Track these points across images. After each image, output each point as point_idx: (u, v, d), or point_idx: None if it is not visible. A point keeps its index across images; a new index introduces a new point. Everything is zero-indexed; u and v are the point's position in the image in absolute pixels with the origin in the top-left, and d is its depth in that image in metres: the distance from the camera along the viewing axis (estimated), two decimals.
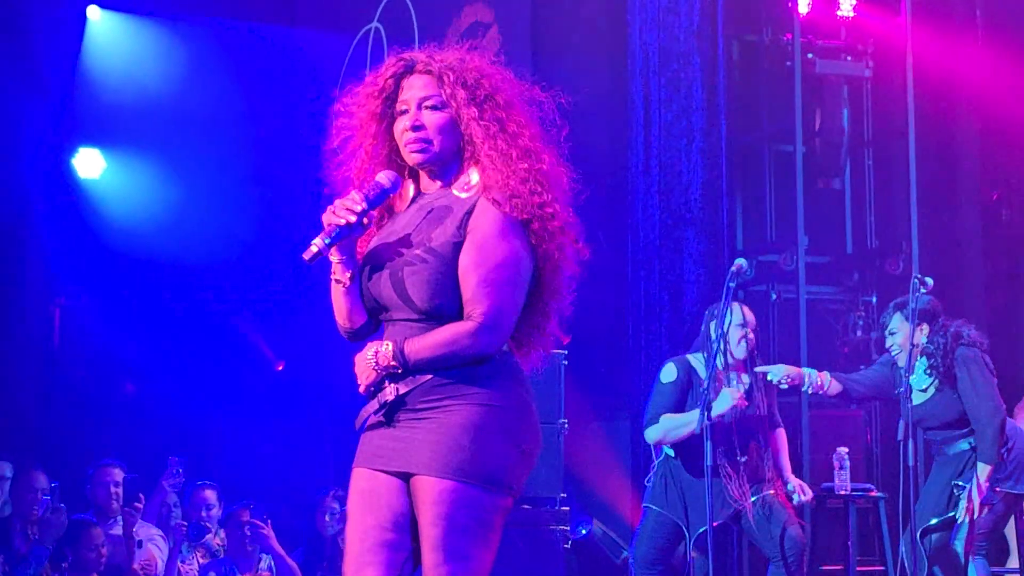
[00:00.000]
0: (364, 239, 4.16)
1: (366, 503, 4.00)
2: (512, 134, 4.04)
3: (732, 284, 7.92)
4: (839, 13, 10.97)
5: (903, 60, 10.78)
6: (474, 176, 4.06)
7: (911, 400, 7.86)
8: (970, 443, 7.94)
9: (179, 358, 13.13)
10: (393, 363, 3.90)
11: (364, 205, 4.01)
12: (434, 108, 4.07)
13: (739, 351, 8.08)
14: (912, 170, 10.74)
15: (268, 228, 12.83)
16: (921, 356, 8.00)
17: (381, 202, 4.10)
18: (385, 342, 3.94)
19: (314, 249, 3.99)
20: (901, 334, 8.05)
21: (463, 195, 4.05)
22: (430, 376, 3.93)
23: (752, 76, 11.14)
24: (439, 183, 4.13)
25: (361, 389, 3.97)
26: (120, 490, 9.86)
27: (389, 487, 3.98)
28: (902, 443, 7.85)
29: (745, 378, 8.06)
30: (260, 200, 13.18)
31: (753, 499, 7.93)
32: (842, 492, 9.02)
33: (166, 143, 13.50)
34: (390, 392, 3.96)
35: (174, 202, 13.33)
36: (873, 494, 9.18)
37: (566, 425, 9.32)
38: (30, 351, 12.98)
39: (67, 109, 13.37)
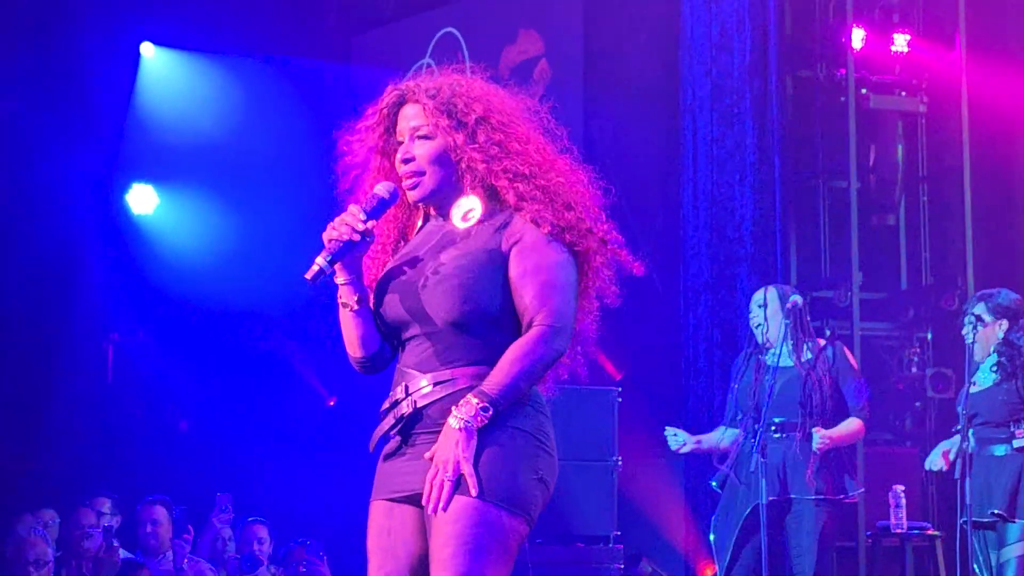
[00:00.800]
0: (376, 263, 4.08)
1: (385, 546, 3.89)
2: (517, 152, 3.93)
3: (787, 321, 7.86)
4: (893, 48, 10.94)
5: (958, 95, 10.74)
6: (476, 204, 3.95)
7: (969, 390, 7.81)
8: (1009, 447, 7.82)
9: (232, 394, 13.14)
10: (482, 405, 3.72)
11: (363, 218, 3.92)
12: (424, 138, 3.98)
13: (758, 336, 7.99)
14: (967, 205, 10.69)
15: (314, 254, 12.83)
16: (992, 353, 7.89)
17: (381, 213, 3.99)
18: (459, 407, 3.75)
19: (315, 268, 3.91)
20: (978, 324, 7.92)
21: (463, 225, 3.95)
22: (449, 393, 3.80)
23: (806, 112, 11.09)
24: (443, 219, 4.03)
25: (449, 474, 3.72)
26: (168, 527, 9.86)
27: (404, 523, 3.87)
28: (960, 432, 7.79)
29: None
30: (311, 237, 13.18)
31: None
32: (898, 531, 8.95)
33: (219, 179, 13.55)
34: (407, 405, 3.85)
35: (226, 238, 13.36)
36: (929, 532, 9.10)
37: (619, 462, 9.28)
38: (83, 388, 13.01)
39: (121, 145, 13.44)
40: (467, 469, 3.69)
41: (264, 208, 13.45)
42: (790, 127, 10.86)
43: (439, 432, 3.77)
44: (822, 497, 7.73)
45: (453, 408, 3.74)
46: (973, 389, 7.88)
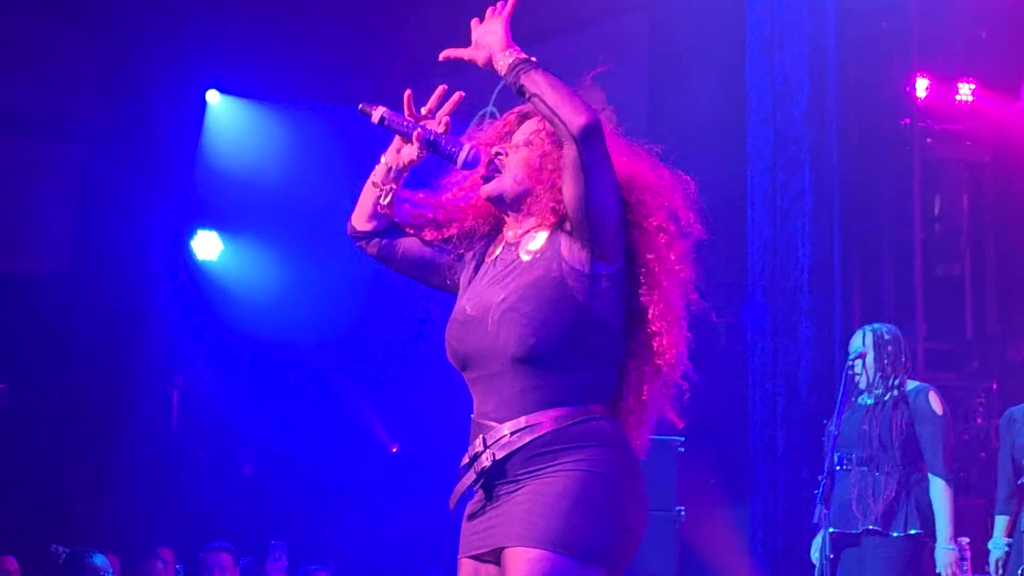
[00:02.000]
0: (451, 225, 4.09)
1: None
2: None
3: (851, 372, 7.83)
4: (958, 97, 10.90)
5: (1023, 144, 10.68)
6: (542, 238, 3.88)
7: None
8: None
9: (295, 439, 13.17)
10: (522, 57, 3.84)
11: (419, 132, 4.00)
12: (523, 144, 3.98)
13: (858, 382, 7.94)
14: None
15: (383, 311, 12.87)
16: None
17: (444, 154, 4.01)
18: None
19: (373, 111, 4.04)
20: None
21: (527, 258, 3.87)
22: (528, 441, 3.67)
23: (870, 161, 11.05)
24: (515, 230, 3.97)
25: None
26: (233, 572, 9.88)
27: None
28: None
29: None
30: (374, 283, 13.23)
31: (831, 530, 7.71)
32: None
33: (282, 226, 13.62)
34: (487, 458, 3.72)
35: (289, 284, 13.42)
36: None
37: (682, 513, 9.23)
38: (149, 433, 13.09)
39: (187, 192, 13.54)
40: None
41: (326, 255, 13.46)
42: (852, 175, 10.83)
43: (519, 483, 3.70)
44: (886, 532, 7.70)
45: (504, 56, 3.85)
46: None
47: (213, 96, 13.88)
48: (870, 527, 7.78)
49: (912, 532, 7.76)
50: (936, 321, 10.86)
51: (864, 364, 7.92)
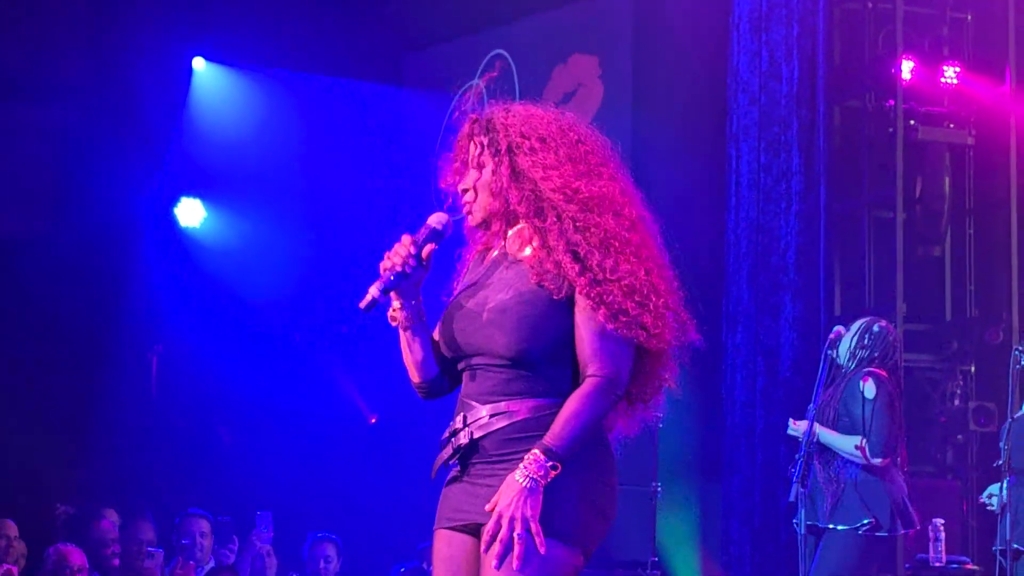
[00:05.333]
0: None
1: (443, 572, 3.97)
2: (539, 179, 3.92)
3: (830, 351, 7.87)
4: (942, 80, 10.94)
5: (1007, 128, 10.74)
6: (524, 235, 3.99)
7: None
8: None
9: (277, 407, 13.19)
10: (551, 464, 3.76)
11: (413, 249, 3.96)
12: (477, 167, 4.01)
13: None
14: (1014, 239, 10.69)
15: (368, 280, 12.89)
16: None
17: (432, 242, 4.01)
18: (526, 463, 3.78)
19: (368, 298, 3.96)
20: None
21: (520, 256, 3.99)
22: (504, 425, 3.86)
23: (853, 142, 11.10)
24: (512, 237, 4.05)
25: (519, 530, 3.76)
26: (208, 540, 9.92)
27: (465, 553, 3.93)
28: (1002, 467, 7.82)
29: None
30: (359, 253, 13.26)
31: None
32: (937, 564, 8.91)
33: (265, 195, 13.63)
34: (464, 436, 3.90)
35: (272, 253, 13.43)
36: (969, 567, 9.07)
37: (659, 489, 9.28)
38: (128, 399, 13.09)
39: (171, 159, 13.54)
40: (534, 527, 3.74)
41: (309, 225, 13.55)
42: (836, 157, 10.88)
43: (495, 463, 3.86)
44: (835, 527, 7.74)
45: (520, 464, 3.77)
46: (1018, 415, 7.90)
47: (199, 63, 13.87)
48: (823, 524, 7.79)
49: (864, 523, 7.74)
50: (915, 303, 10.91)
51: (838, 348, 7.95)
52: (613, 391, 3.83)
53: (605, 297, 3.82)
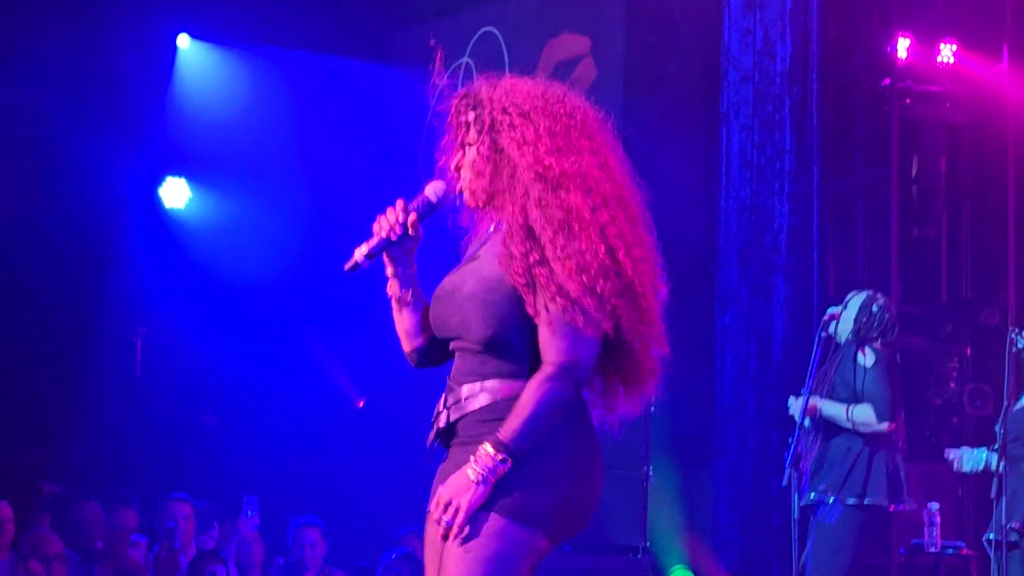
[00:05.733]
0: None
1: (430, 554, 3.96)
2: (516, 156, 3.85)
3: (824, 334, 7.83)
4: (939, 59, 10.87)
5: (1003, 107, 10.68)
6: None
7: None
8: None
9: (263, 390, 13.14)
10: (500, 457, 3.74)
11: (403, 216, 3.93)
12: (467, 145, 3.96)
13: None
14: (1010, 219, 10.62)
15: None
16: None
17: (428, 214, 3.97)
18: (477, 457, 3.76)
19: (353, 261, 3.93)
20: None
21: (494, 251, 3.93)
22: (479, 407, 3.85)
23: (849, 121, 11.04)
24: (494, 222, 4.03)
25: (447, 518, 3.78)
26: (191, 524, 9.87)
27: (439, 532, 3.90)
28: (999, 451, 7.74)
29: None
30: (348, 233, 13.17)
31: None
32: (932, 549, 8.88)
33: (252, 175, 13.55)
34: (443, 418, 3.91)
35: (259, 234, 13.35)
36: (964, 552, 9.02)
37: (650, 473, 9.24)
38: (112, 381, 13.03)
39: (155, 138, 13.45)
40: (461, 518, 3.74)
41: (296, 205, 13.45)
42: (830, 136, 10.82)
43: (469, 444, 3.83)
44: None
45: (472, 457, 3.76)
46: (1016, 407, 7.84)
47: (184, 41, 13.77)
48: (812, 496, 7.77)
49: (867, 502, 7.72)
50: (911, 284, 10.88)
51: (837, 326, 7.92)
52: (568, 378, 3.78)
53: (540, 280, 3.76)
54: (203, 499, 10.64)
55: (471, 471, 3.74)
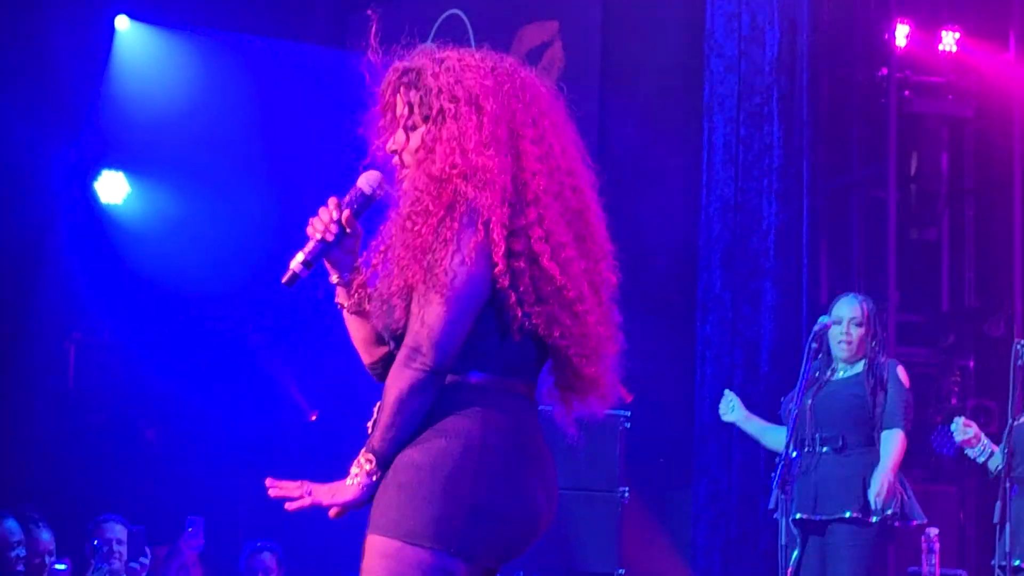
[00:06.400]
0: None
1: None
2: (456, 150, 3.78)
3: (814, 344, 7.80)
4: (941, 47, 10.91)
5: (1010, 100, 10.72)
6: None
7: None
8: None
9: (205, 401, 13.06)
10: (369, 467, 3.70)
11: (336, 214, 3.86)
12: (409, 128, 3.88)
13: (839, 351, 7.99)
14: (1017, 222, 10.63)
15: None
16: None
17: (365, 208, 3.88)
18: (356, 462, 3.74)
19: (290, 272, 3.83)
20: None
21: None
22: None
23: (843, 114, 11.04)
24: None
25: (310, 502, 3.79)
26: (123, 548, 9.78)
27: None
28: (1002, 472, 7.79)
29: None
30: (296, 230, 13.09)
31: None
32: None
33: (195, 168, 13.45)
34: (370, 429, 3.82)
35: (202, 231, 13.27)
36: None
37: (626, 494, 9.21)
38: (42, 390, 12.95)
39: (91, 129, 13.35)
40: (306, 502, 3.78)
41: (247, 203, 13.36)
42: (823, 130, 10.82)
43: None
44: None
45: (354, 467, 3.73)
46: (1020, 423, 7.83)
47: (122, 22, 13.68)
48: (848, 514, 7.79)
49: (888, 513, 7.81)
50: (909, 291, 10.89)
51: (850, 334, 7.94)
52: (414, 361, 3.67)
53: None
54: (143, 520, 10.55)
55: (350, 480, 3.73)
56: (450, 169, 3.73)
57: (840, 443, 7.89)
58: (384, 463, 3.68)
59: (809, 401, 7.87)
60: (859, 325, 7.97)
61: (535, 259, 3.73)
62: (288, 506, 3.82)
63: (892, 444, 7.83)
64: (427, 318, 3.67)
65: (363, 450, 3.70)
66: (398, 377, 3.67)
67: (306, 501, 3.77)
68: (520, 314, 3.74)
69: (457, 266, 3.65)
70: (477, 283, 3.69)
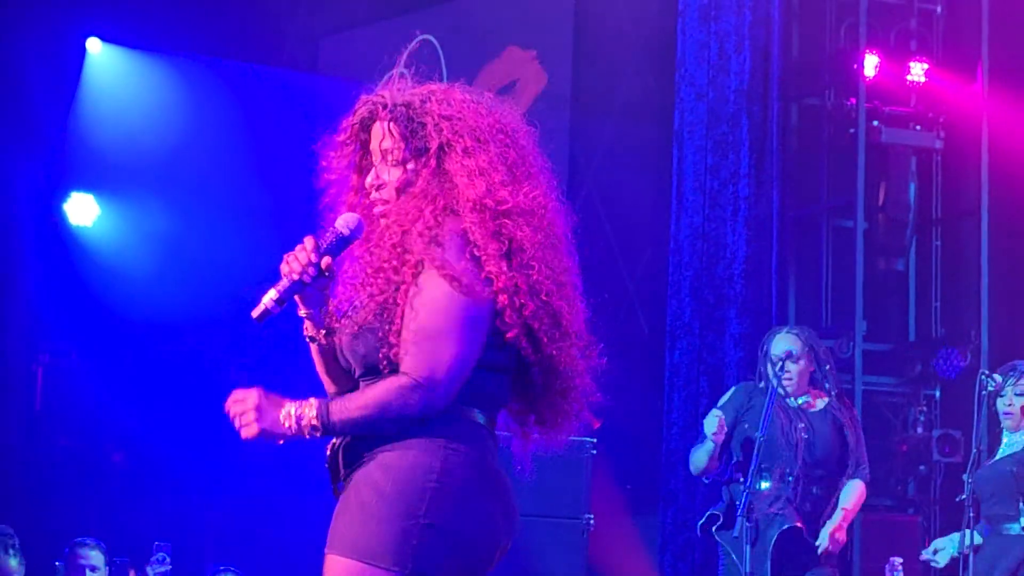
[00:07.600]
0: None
1: None
2: (464, 185, 3.81)
3: (783, 375, 7.78)
4: (909, 78, 10.95)
5: (978, 131, 10.74)
6: None
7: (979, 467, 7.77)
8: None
9: (173, 425, 13.00)
10: (314, 424, 3.74)
11: (314, 257, 3.85)
12: (396, 164, 3.89)
13: (782, 389, 7.88)
14: (984, 252, 10.69)
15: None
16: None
17: (341, 250, 3.89)
18: (310, 400, 3.77)
19: (261, 307, 3.85)
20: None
21: None
22: (347, 441, 3.81)
23: (811, 143, 11.06)
24: None
25: (240, 419, 3.87)
26: (104, 573, 9.73)
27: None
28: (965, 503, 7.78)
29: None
30: (267, 254, 13.05)
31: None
32: None
33: (165, 191, 13.41)
34: (330, 447, 3.87)
35: (171, 254, 13.23)
36: None
37: (591, 521, 9.18)
38: (8, 414, 12.88)
39: (60, 150, 13.31)
40: (240, 421, 3.88)
41: (213, 225, 13.32)
42: (792, 159, 10.86)
43: (349, 475, 3.80)
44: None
45: (301, 405, 3.77)
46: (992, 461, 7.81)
47: (94, 44, 13.64)
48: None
49: None
50: (876, 320, 10.89)
51: (788, 371, 7.88)
52: (423, 395, 3.71)
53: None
54: (109, 543, 10.51)
55: (283, 415, 3.79)
56: (486, 202, 3.75)
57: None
58: (326, 434, 3.75)
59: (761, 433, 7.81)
60: (796, 360, 7.92)
61: (535, 294, 3.78)
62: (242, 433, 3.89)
63: (854, 491, 7.89)
64: (443, 356, 3.70)
65: (318, 405, 3.75)
66: (399, 395, 3.70)
67: (249, 407, 3.86)
68: (503, 345, 3.79)
69: (472, 307, 3.70)
70: (486, 321, 3.74)
